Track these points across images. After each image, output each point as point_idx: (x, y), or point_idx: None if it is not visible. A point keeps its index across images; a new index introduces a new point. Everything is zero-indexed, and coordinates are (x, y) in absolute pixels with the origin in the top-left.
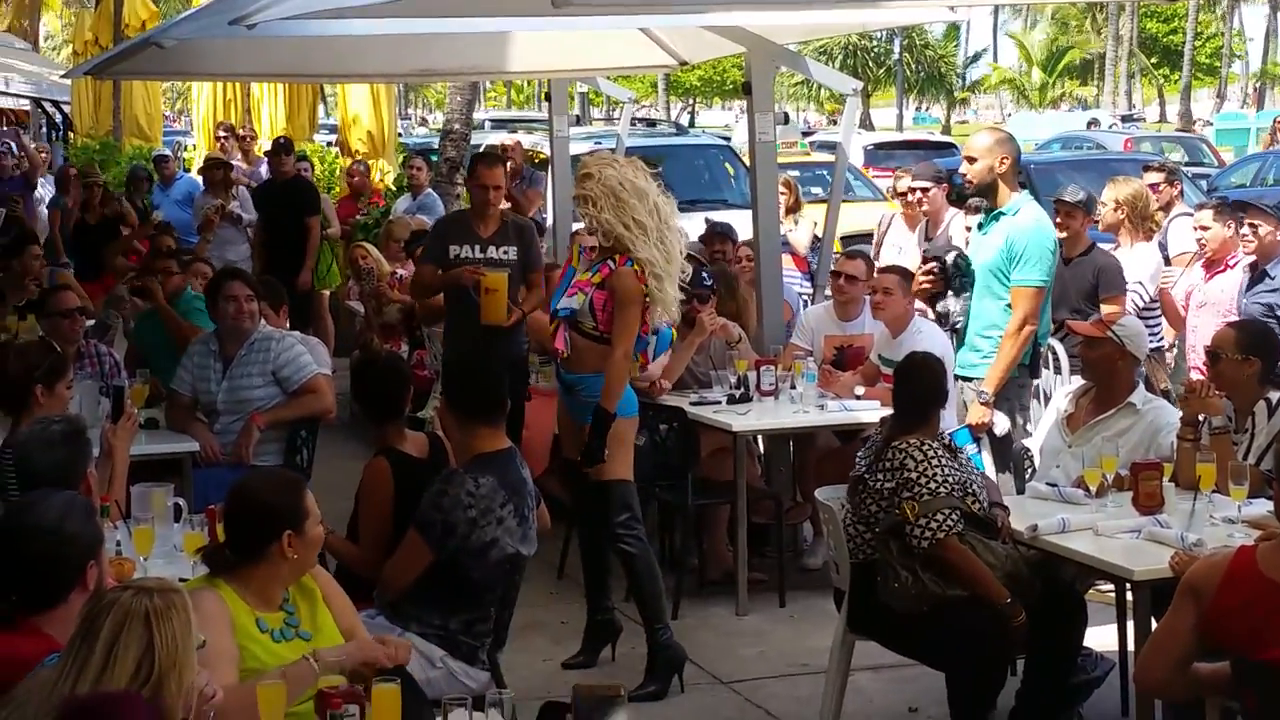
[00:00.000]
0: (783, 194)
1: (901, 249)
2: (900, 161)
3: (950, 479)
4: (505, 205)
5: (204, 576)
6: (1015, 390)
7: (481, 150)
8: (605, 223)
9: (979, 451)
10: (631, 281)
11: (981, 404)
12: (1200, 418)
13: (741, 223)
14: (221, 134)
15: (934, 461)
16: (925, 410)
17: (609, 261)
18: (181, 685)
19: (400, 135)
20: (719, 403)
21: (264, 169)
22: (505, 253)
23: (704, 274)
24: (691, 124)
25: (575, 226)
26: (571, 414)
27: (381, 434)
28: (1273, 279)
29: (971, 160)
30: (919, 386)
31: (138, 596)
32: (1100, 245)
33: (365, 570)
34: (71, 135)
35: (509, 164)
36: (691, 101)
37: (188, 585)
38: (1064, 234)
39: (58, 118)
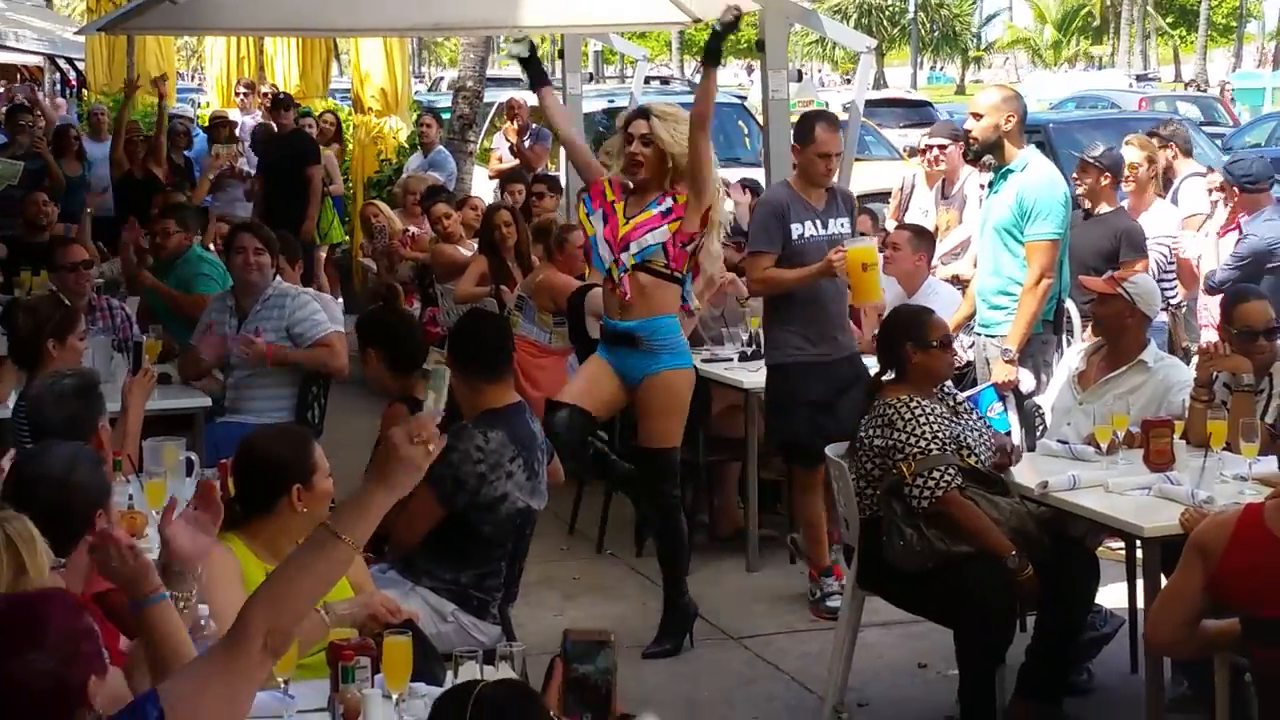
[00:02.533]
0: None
1: (927, 211)
2: (880, 119)
3: (941, 434)
4: (515, 162)
5: (228, 537)
6: (1039, 346)
7: (808, 112)
8: (688, 148)
9: (1005, 410)
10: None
11: (1006, 361)
12: (1214, 375)
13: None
14: (241, 91)
15: (922, 419)
16: (894, 357)
17: (670, 197)
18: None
19: (416, 94)
20: (731, 360)
21: (249, 120)
22: (842, 225)
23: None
24: None
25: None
26: (624, 373)
27: (402, 385)
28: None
29: (978, 117)
30: (885, 332)
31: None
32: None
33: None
34: (85, 92)
35: (516, 120)
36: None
37: None
38: (1081, 189)
39: (71, 75)
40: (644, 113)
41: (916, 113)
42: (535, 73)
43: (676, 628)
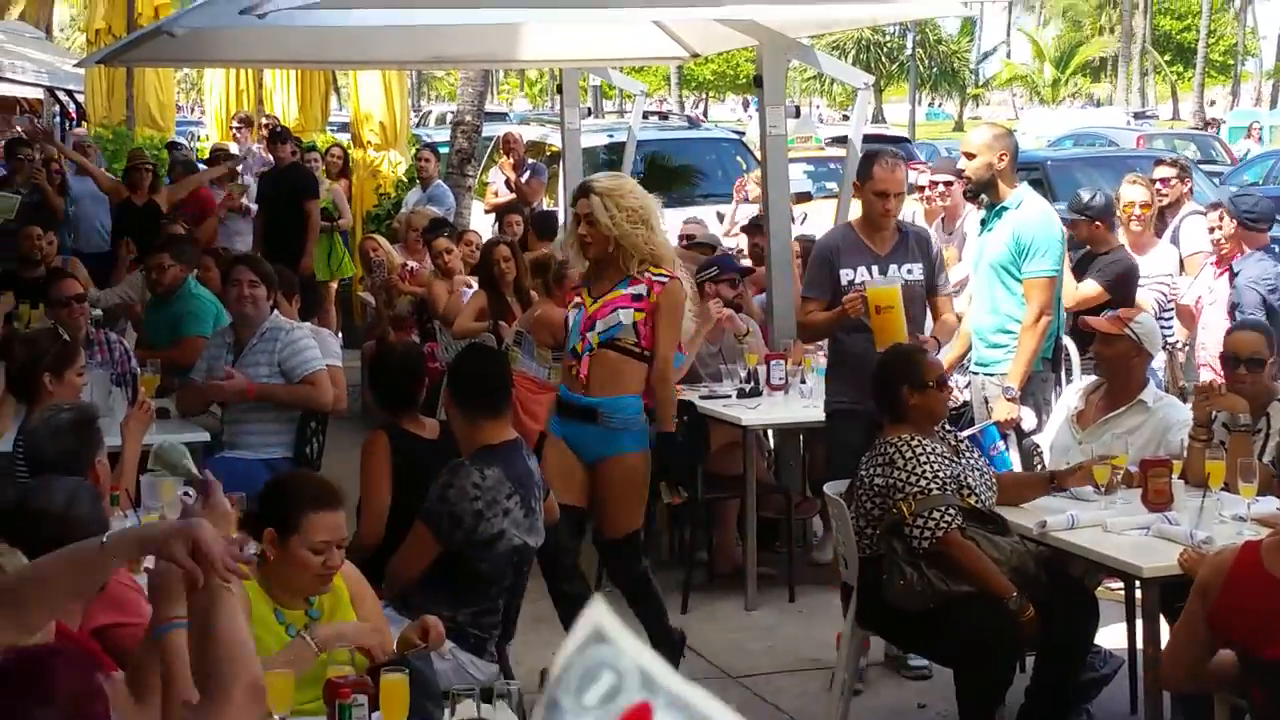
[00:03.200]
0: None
1: None
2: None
3: (942, 474)
4: (511, 196)
5: None
6: (1038, 384)
7: (871, 150)
8: (642, 239)
9: (1007, 449)
10: (682, 296)
11: (1008, 400)
12: (1213, 415)
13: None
14: (236, 125)
15: (922, 458)
16: (891, 400)
17: (658, 278)
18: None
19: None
20: (729, 397)
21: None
22: (909, 271)
23: (727, 259)
24: (705, 116)
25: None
26: (580, 450)
27: (397, 418)
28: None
29: (970, 156)
30: (880, 375)
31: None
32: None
33: (365, 542)
34: (85, 124)
35: (512, 155)
36: (704, 96)
37: None
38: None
39: (71, 107)
40: (585, 190)
41: (898, 149)
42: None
43: (668, 656)
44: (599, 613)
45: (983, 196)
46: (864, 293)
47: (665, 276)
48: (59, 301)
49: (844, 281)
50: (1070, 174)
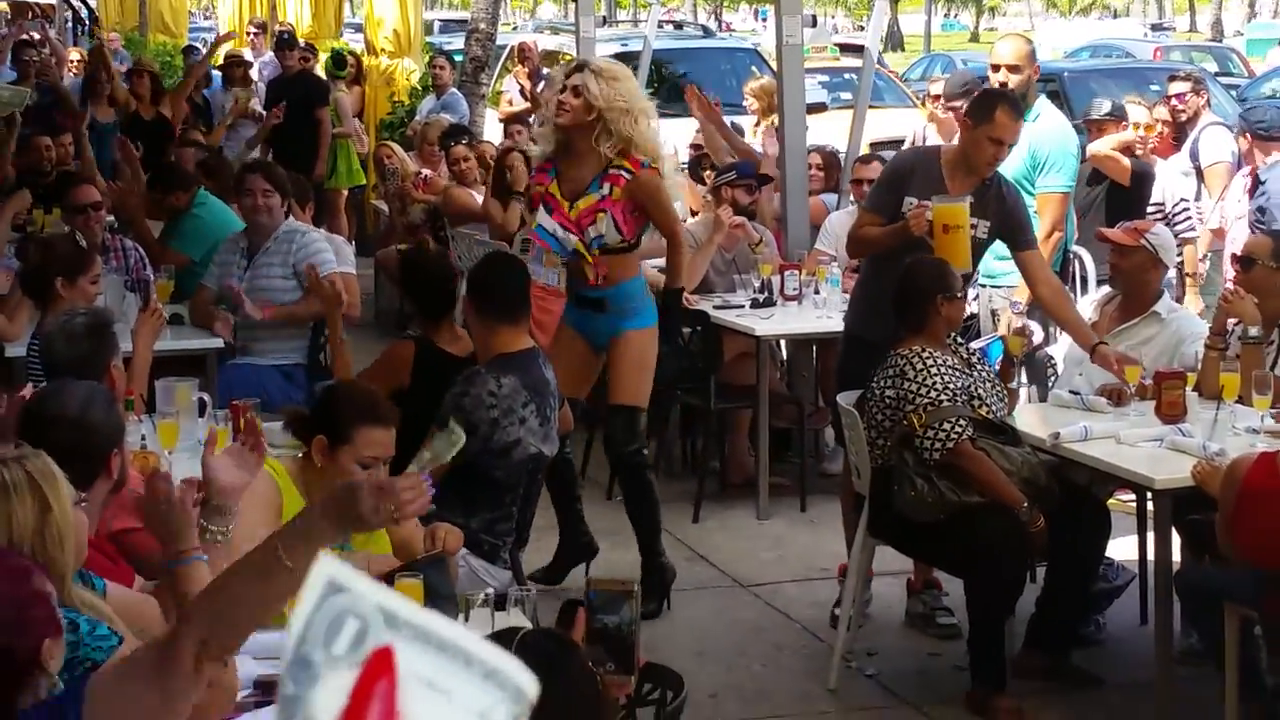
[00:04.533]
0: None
1: None
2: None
3: (953, 385)
4: (525, 105)
5: (270, 460)
6: None
7: (991, 89)
8: (624, 123)
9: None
10: (655, 180)
11: (1015, 314)
12: (1231, 324)
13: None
14: (252, 31)
15: (933, 370)
16: (919, 310)
17: (620, 171)
18: (63, 543)
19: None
20: (742, 307)
21: (265, 60)
22: (973, 226)
23: (745, 165)
24: (729, 27)
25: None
26: (591, 338)
27: (432, 328)
28: (1263, 184)
29: (1014, 69)
30: (909, 285)
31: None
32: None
33: None
34: (97, 30)
35: (526, 64)
36: (719, 5)
37: None
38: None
39: (83, 12)
40: (582, 66)
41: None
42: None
43: (655, 590)
44: (328, 565)
45: None
46: (929, 208)
47: (629, 171)
48: (75, 208)
49: (905, 209)
50: (1088, 86)
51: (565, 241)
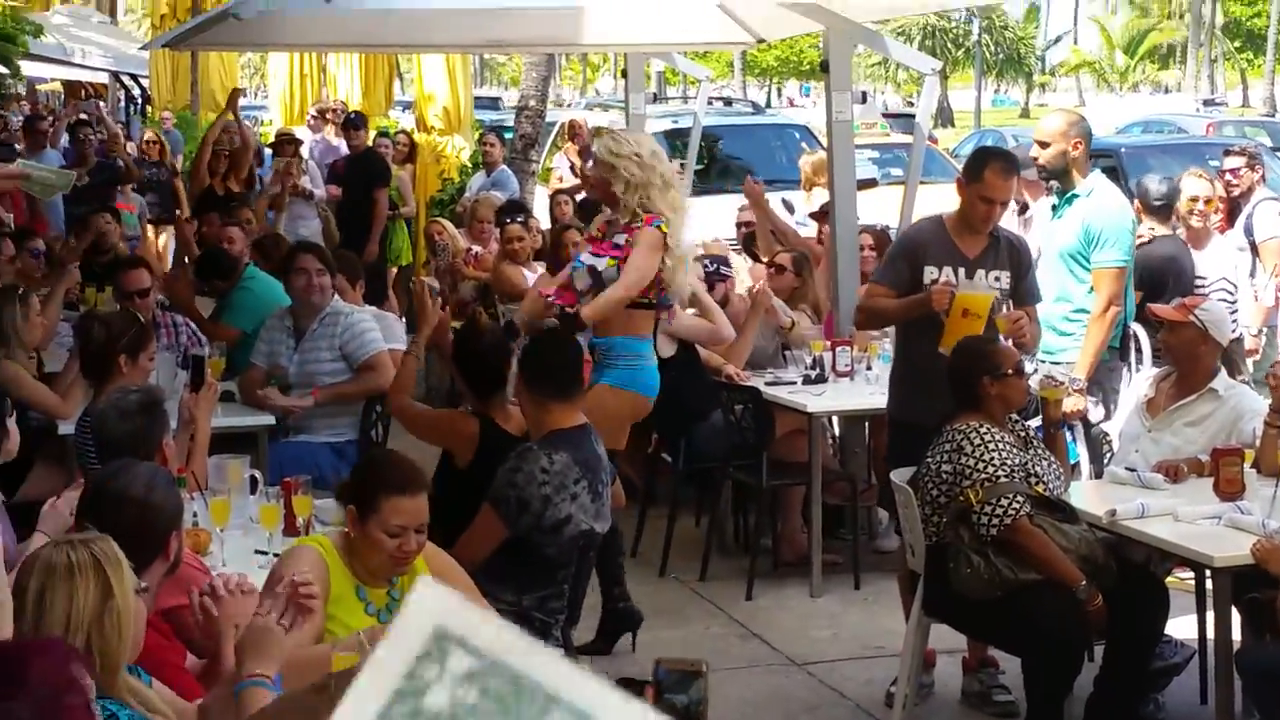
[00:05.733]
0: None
1: None
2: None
3: (1009, 462)
4: (575, 182)
5: (318, 536)
6: (1105, 374)
7: (987, 147)
8: (634, 185)
9: (1073, 440)
10: (656, 235)
11: (1075, 391)
12: None
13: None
14: (313, 117)
15: (990, 445)
16: (969, 390)
17: (637, 225)
18: (121, 631)
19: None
20: (794, 383)
21: (317, 139)
22: (996, 279)
23: (707, 259)
24: (768, 104)
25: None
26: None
27: (484, 407)
28: None
29: (1044, 145)
30: (956, 366)
31: (57, 550)
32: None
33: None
34: (149, 109)
35: (577, 140)
36: (769, 82)
37: (298, 541)
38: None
39: (135, 91)
40: (596, 133)
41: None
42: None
43: (613, 631)
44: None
45: (1053, 183)
46: (955, 291)
47: (640, 223)
48: (126, 294)
49: (927, 280)
50: (1144, 161)
51: (594, 264)
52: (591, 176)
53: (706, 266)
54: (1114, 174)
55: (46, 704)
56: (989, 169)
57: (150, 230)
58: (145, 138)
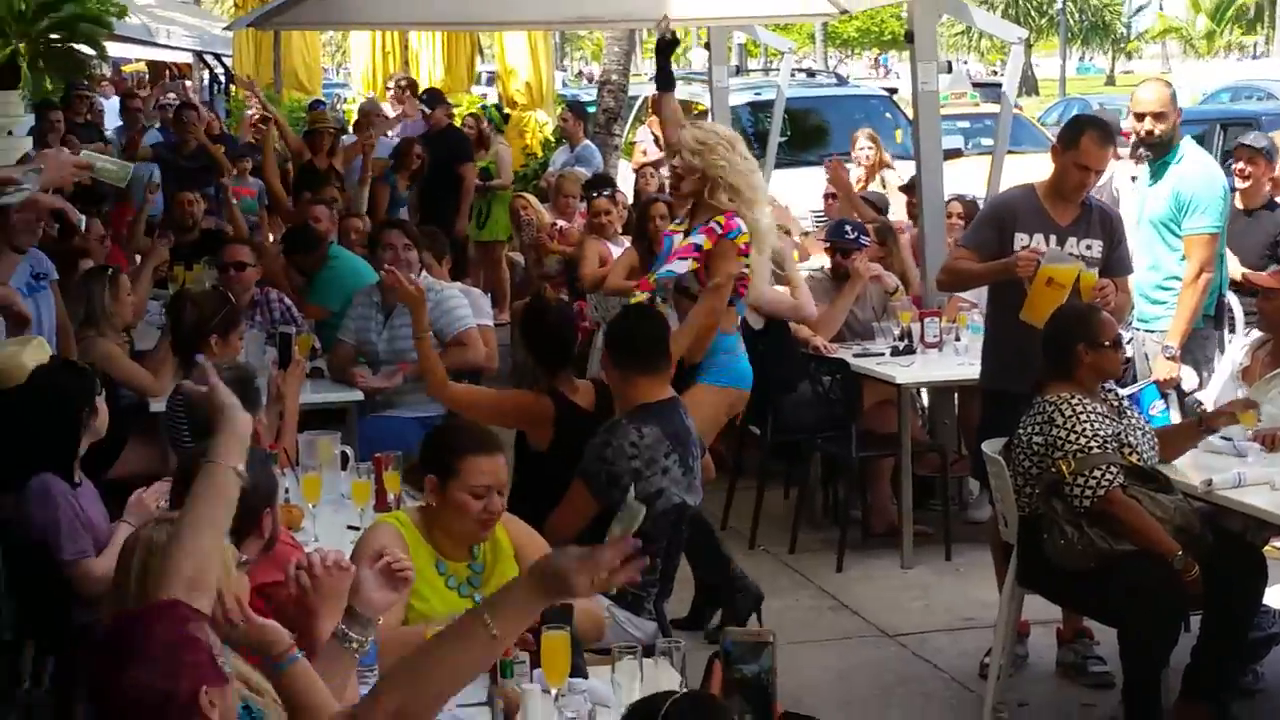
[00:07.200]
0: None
1: None
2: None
3: (1102, 433)
4: (659, 156)
5: (395, 513)
6: (1199, 342)
7: (1083, 114)
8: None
9: (1167, 408)
10: (733, 247)
11: (1168, 359)
12: None
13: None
14: (393, 86)
15: (1082, 416)
16: (1063, 357)
17: (713, 224)
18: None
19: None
20: (883, 354)
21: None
22: (1088, 247)
23: (846, 225)
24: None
25: None
26: None
27: (551, 381)
28: None
29: (1160, 116)
30: (1053, 331)
31: (158, 528)
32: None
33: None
34: (232, 88)
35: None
36: (849, 52)
37: (380, 518)
38: (1246, 182)
39: (219, 71)
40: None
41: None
42: (664, 76)
43: (747, 608)
44: None
45: (1145, 152)
46: (1040, 260)
47: (720, 226)
48: (224, 267)
49: (1018, 246)
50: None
51: (676, 268)
52: (679, 168)
53: (847, 234)
54: (1202, 141)
55: (165, 665)
56: (1086, 136)
57: (266, 215)
58: (254, 119)
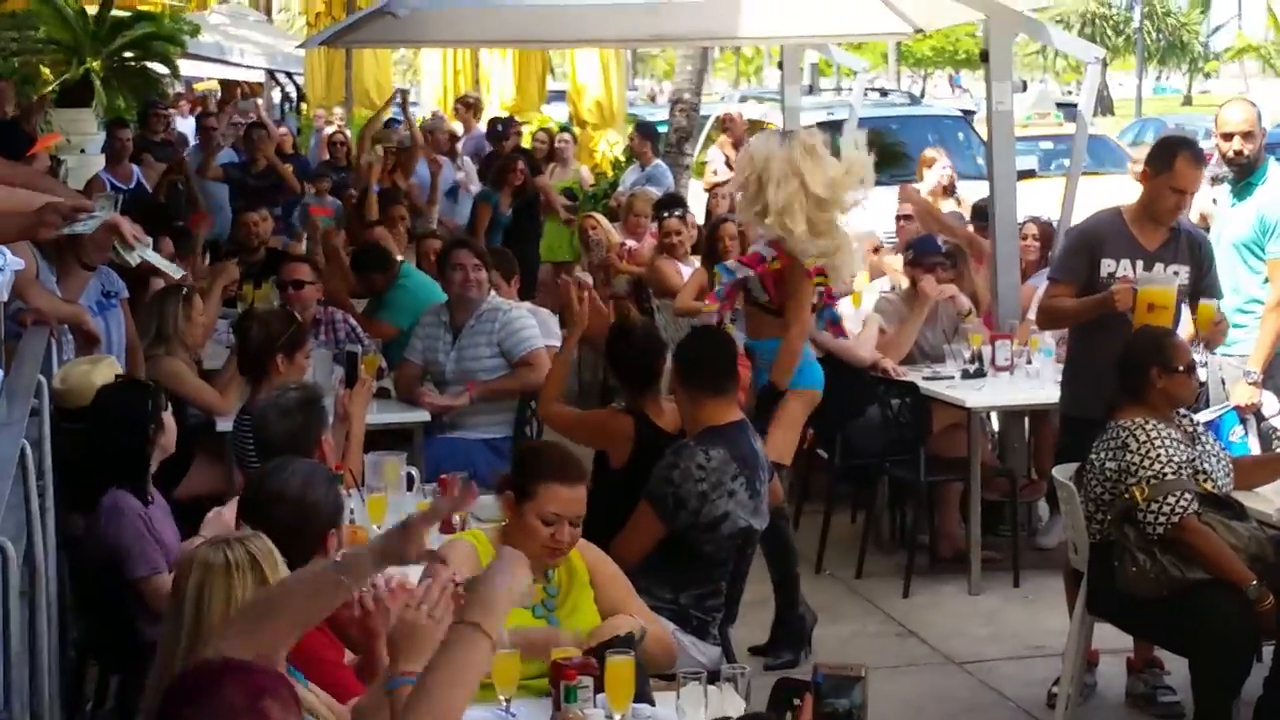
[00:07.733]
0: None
1: None
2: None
3: (1176, 459)
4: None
5: (474, 530)
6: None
7: (1173, 135)
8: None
9: (1246, 434)
10: (802, 279)
11: (1249, 384)
12: None
13: (977, 195)
14: (461, 107)
15: (1157, 442)
16: (1136, 380)
17: (776, 250)
18: (279, 627)
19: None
20: (953, 378)
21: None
22: (1175, 272)
23: (936, 241)
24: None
25: None
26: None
27: (638, 403)
28: None
29: (1249, 136)
30: (1128, 353)
31: (214, 549)
32: None
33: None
34: (304, 106)
35: (730, 133)
36: (925, 73)
37: (455, 535)
38: None
39: (291, 89)
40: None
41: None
42: None
43: (790, 640)
44: None
45: (1227, 173)
46: (1136, 286)
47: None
48: (283, 285)
49: (1104, 273)
50: None
51: (736, 270)
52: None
53: (934, 247)
54: None
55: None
56: (1180, 158)
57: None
58: (331, 138)
